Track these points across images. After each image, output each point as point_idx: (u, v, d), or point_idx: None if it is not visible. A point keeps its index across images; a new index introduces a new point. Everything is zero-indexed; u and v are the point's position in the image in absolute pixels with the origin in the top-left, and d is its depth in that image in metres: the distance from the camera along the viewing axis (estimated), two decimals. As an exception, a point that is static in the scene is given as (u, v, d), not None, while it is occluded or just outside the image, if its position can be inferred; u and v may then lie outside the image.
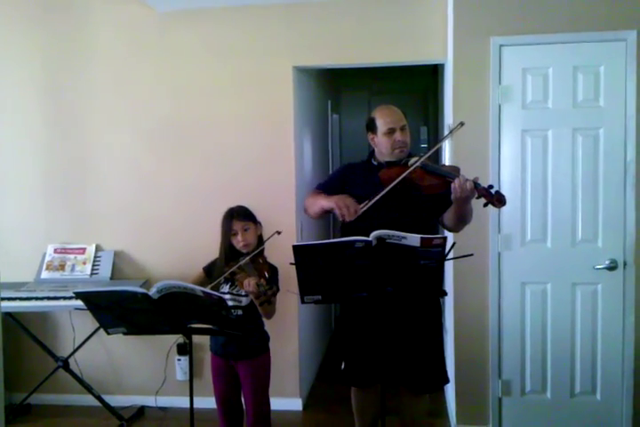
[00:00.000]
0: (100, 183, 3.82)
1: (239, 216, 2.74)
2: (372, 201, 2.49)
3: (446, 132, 3.56)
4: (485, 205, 2.41)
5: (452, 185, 2.40)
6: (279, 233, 2.60)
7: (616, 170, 3.11)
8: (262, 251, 2.76)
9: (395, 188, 2.51)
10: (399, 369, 2.63)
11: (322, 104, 4.92)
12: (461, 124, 2.60)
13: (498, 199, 2.39)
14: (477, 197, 2.42)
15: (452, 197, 2.44)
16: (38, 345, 3.69)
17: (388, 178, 2.57)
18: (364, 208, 2.49)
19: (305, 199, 2.83)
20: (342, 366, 2.77)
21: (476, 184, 2.38)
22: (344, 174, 2.84)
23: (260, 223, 2.80)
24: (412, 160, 2.59)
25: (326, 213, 2.71)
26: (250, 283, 2.48)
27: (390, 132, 2.66)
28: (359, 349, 2.69)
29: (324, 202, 2.63)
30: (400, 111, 2.73)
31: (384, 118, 2.68)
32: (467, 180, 2.38)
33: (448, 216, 2.63)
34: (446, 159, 3.58)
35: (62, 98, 3.81)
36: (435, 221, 2.74)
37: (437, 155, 4.50)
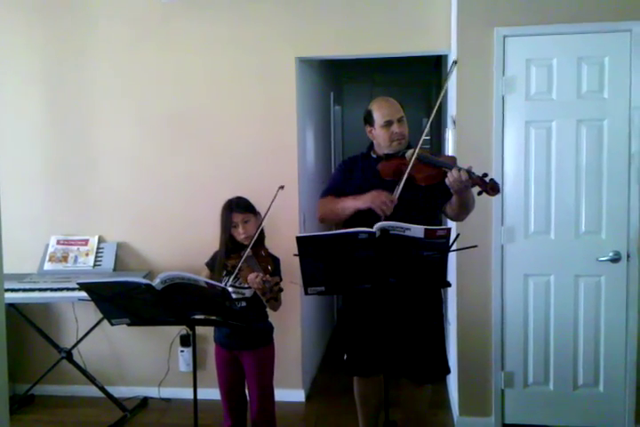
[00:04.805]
0: (102, 175, 3.81)
1: (239, 208, 2.71)
2: (401, 186, 2.48)
3: (450, 124, 3.54)
4: (480, 193, 2.42)
5: (447, 180, 2.40)
6: (282, 188, 2.58)
7: (620, 161, 3.10)
8: (263, 242, 2.75)
9: (393, 181, 2.51)
10: (401, 359, 2.63)
11: (324, 96, 4.91)
12: (454, 62, 2.66)
13: (492, 187, 2.39)
14: (472, 186, 2.42)
15: (451, 190, 2.44)
16: (42, 336, 3.70)
17: (388, 170, 2.58)
18: (397, 195, 2.47)
19: (320, 208, 2.77)
20: (345, 357, 2.79)
21: (469, 173, 2.38)
22: (344, 172, 2.83)
23: (260, 214, 2.75)
24: (410, 152, 2.59)
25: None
26: (255, 280, 2.46)
27: (387, 124, 2.65)
28: (361, 339, 2.70)
29: (357, 203, 2.56)
30: (397, 103, 2.71)
31: (381, 111, 2.68)
32: (460, 170, 2.38)
33: (450, 206, 2.63)
34: (449, 151, 3.57)
35: (64, 89, 3.80)
36: (437, 212, 2.73)
37: (440, 146, 4.50)
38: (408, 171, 2.50)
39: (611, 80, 3.08)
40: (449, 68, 2.76)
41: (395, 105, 2.70)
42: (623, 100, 3.08)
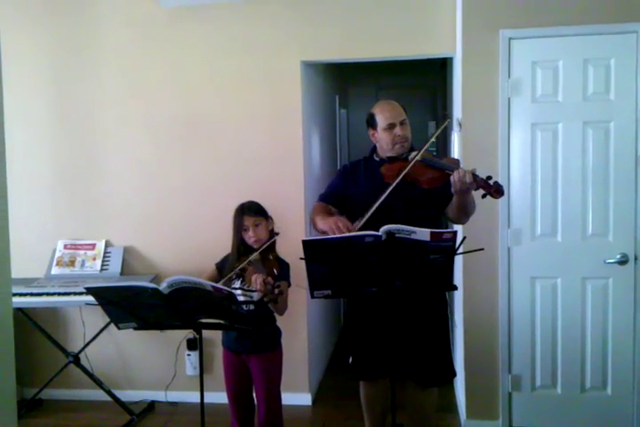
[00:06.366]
0: (109, 179, 3.82)
1: (250, 212, 2.73)
2: (365, 218, 2.46)
3: (455, 127, 3.54)
4: (484, 196, 2.41)
5: (452, 178, 2.40)
6: (277, 234, 2.74)
7: (627, 163, 3.09)
8: (274, 247, 2.76)
9: (397, 184, 2.51)
10: (406, 362, 2.63)
11: (330, 99, 4.91)
12: (445, 116, 2.60)
13: (496, 190, 2.39)
14: (476, 189, 2.41)
15: (452, 189, 2.44)
16: (49, 340, 3.71)
17: (390, 173, 2.57)
18: (360, 225, 2.45)
19: (312, 213, 2.80)
20: (350, 361, 2.78)
21: (474, 175, 2.38)
22: (344, 178, 2.84)
23: (271, 218, 2.80)
24: (412, 154, 2.59)
25: None
26: (257, 281, 2.48)
27: (390, 127, 2.65)
28: (367, 342, 2.70)
29: (321, 224, 2.57)
30: (399, 106, 2.72)
31: (383, 114, 2.68)
32: (465, 171, 2.38)
33: (450, 208, 2.63)
34: (455, 154, 3.56)
35: (71, 95, 3.82)
36: (441, 215, 2.73)
37: (446, 149, 4.49)
38: (405, 173, 2.50)
39: (617, 82, 3.07)
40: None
41: (397, 108, 2.70)
42: (630, 102, 3.07)
